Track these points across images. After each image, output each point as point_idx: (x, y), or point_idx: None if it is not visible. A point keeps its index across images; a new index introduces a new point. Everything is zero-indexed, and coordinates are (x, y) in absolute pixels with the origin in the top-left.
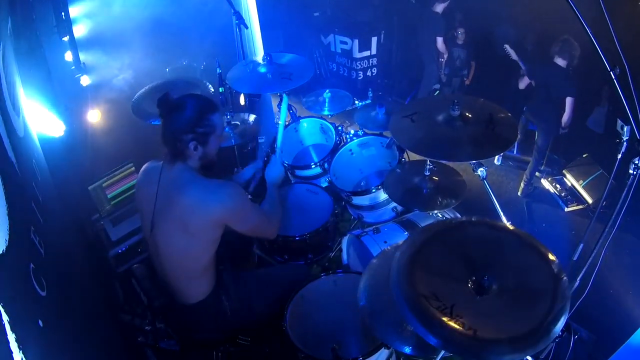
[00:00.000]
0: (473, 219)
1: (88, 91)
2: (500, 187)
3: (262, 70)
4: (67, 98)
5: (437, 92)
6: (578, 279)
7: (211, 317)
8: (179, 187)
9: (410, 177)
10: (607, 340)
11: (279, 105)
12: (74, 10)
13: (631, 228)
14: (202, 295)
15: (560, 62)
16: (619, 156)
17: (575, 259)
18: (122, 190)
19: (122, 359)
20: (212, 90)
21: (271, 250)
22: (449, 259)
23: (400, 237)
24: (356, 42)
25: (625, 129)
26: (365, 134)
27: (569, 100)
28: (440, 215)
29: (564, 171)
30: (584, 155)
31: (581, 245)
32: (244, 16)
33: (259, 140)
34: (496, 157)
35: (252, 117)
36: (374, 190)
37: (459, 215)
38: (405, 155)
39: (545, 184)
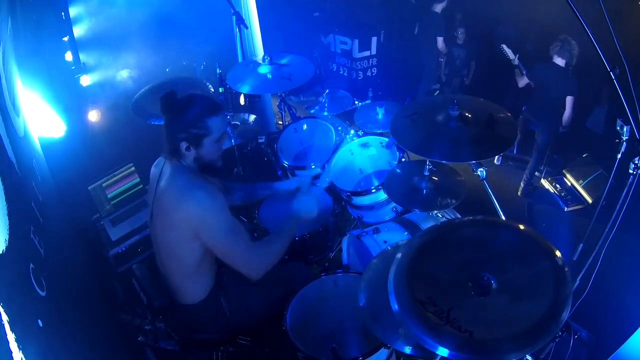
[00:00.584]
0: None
1: (88, 91)
2: (500, 187)
3: (262, 70)
4: (67, 98)
5: (437, 92)
6: (578, 279)
7: (211, 318)
8: (164, 183)
9: (410, 177)
10: (607, 340)
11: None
12: (74, 10)
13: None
14: (201, 295)
15: (560, 61)
16: (619, 156)
17: (575, 259)
18: (122, 190)
19: (122, 359)
20: (212, 90)
21: None
22: (447, 261)
23: (400, 237)
24: (356, 42)
25: (625, 128)
26: (365, 134)
27: (569, 99)
28: (440, 215)
29: (564, 171)
30: (584, 155)
31: (581, 245)
32: (244, 16)
33: (259, 140)
34: (496, 157)
35: (252, 117)
36: (373, 190)
37: (459, 215)
38: (405, 155)
39: (545, 184)
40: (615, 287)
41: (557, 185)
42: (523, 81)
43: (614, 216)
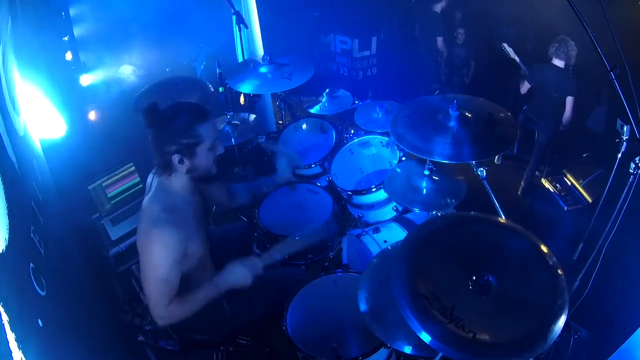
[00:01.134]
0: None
1: (88, 91)
2: (500, 186)
3: (262, 70)
4: (67, 98)
5: (437, 91)
6: (578, 279)
7: (211, 318)
8: (145, 203)
9: (411, 177)
10: (607, 340)
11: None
12: (74, 10)
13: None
14: None
15: (558, 62)
16: (619, 155)
17: (575, 258)
18: (122, 189)
19: (122, 358)
20: (212, 90)
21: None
22: (451, 258)
23: (400, 237)
24: (356, 41)
25: (625, 128)
26: (365, 134)
27: (569, 100)
28: (440, 215)
29: (564, 171)
30: (584, 155)
31: (581, 245)
32: (244, 16)
33: (259, 140)
34: (496, 156)
35: (252, 117)
36: (374, 190)
37: None
38: (405, 154)
39: (546, 183)
40: (615, 287)
41: (557, 185)
42: (525, 87)
43: (614, 216)
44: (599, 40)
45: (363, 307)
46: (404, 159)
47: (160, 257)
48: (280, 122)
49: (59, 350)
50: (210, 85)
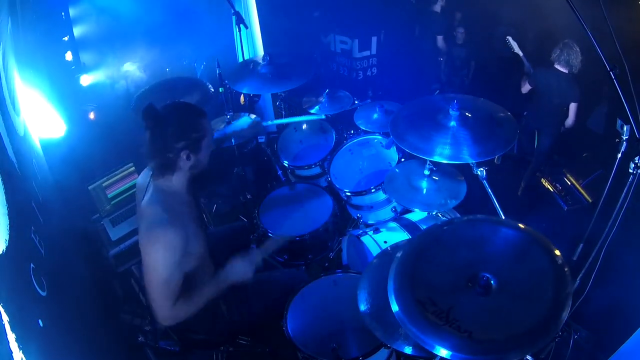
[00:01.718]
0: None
1: (88, 91)
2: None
3: (262, 70)
4: (67, 98)
5: (437, 91)
6: (578, 279)
7: (210, 318)
8: (144, 206)
9: (410, 177)
10: (607, 340)
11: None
12: (74, 10)
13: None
14: None
15: (561, 68)
16: (619, 155)
17: (575, 258)
18: (122, 190)
19: (122, 359)
20: (212, 90)
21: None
22: (447, 261)
23: (400, 237)
24: (356, 42)
25: (625, 128)
26: (365, 134)
27: (572, 106)
28: (440, 215)
29: (564, 171)
30: (584, 155)
31: (581, 245)
32: (244, 16)
33: (259, 140)
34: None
35: (252, 117)
36: (373, 190)
37: (458, 215)
38: (404, 155)
39: (545, 183)
40: (615, 287)
41: (557, 185)
42: (526, 87)
43: (614, 216)
44: (598, 40)
45: (363, 307)
46: (403, 159)
47: (163, 258)
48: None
49: (59, 350)
50: (210, 86)
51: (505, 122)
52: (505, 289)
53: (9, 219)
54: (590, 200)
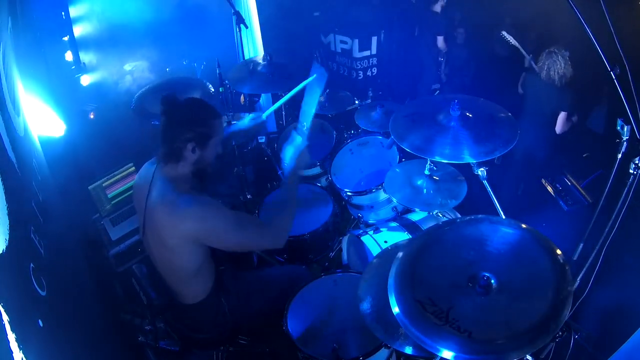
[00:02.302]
0: (470, 218)
1: (88, 91)
2: (500, 187)
3: (262, 70)
4: (67, 98)
5: (437, 92)
6: (578, 279)
7: (211, 317)
8: (156, 195)
9: (410, 177)
10: (607, 340)
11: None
12: (74, 10)
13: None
14: (201, 296)
15: (547, 79)
16: (619, 156)
17: (575, 258)
18: (122, 190)
19: (122, 359)
20: (212, 90)
21: (271, 250)
22: (447, 261)
23: (401, 237)
24: (356, 41)
25: (625, 128)
26: (365, 134)
27: (562, 115)
28: (441, 215)
29: (563, 171)
30: (584, 155)
31: (581, 245)
32: (244, 16)
33: (259, 140)
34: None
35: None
36: (374, 190)
37: (459, 215)
38: (404, 155)
39: (545, 183)
40: (615, 287)
41: (557, 185)
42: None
43: (614, 216)
44: (599, 40)
45: (363, 307)
46: (403, 159)
47: (216, 214)
48: (281, 122)
49: (59, 350)
50: (210, 85)
51: (505, 123)
52: (505, 289)
53: (9, 219)
54: (590, 201)
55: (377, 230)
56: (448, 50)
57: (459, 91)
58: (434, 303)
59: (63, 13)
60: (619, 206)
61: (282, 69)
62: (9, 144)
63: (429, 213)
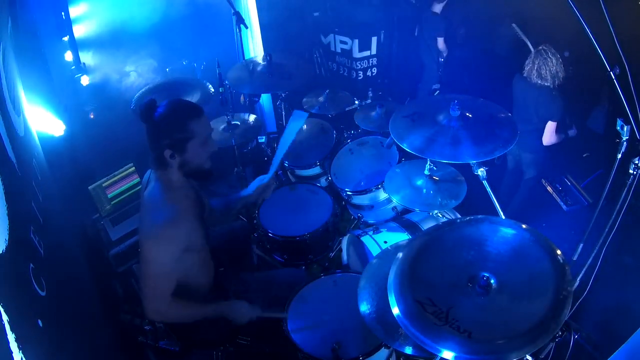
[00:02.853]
0: (470, 218)
1: (88, 91)
2: (501, 187)
3: (262, 70)
4: (67, 98)
5: (437, 92)
6: (578, 279)
7: (211, 318)
8: (145, 201)
9: (410, 177)
10: (607, 340)
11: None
12: (74, 10)
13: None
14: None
15: (540, 81)
16: (619, 156)
17: (575, 258)
18: (122, 190)
19: (122, 359)
20: (212, 90)
21: (271, 250)
22: (447, 262)
23: (400, 237)
24: (356, 42)
25: (625, 128)
26: (365, 134)
27: (550, 125)
28: (441, 215)
29: (563, 171)
30: (584, 155)
31: (581, 245)
32: (244, 16)
33: (259, 140)
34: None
35: (252, 117)
36: (373, 190)
37: (459, 215)
38: (404, 155)
39: (545, 184)
40: (615, 287)
41: (557, 185)
42: None
43: (614, 216)
44: (599, 40)
45: (363, 307)
46: (403, 159)
47: (164, 252)
48: (280, 122)
49: (59, 351)
50: (210, 86)
51: (505, 123)
52: (505, 289)
53: (9, 219)
54: (590, 201)
55: (377, 230)
56: (448, 51)
57: (459, 91)
58: (434, 303)
59: (63, 13)
60: (618, 206)
61: (282, 69)
62: (9, 144)
63: (428, 213)
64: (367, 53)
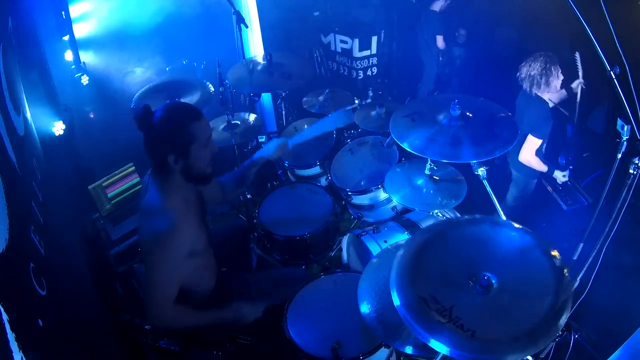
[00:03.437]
0: (472, 217)
1: (88, 91)
2: (501, 187)
3: (262, 69)
4: (67, 98)
5: (437, 91)
6: (578, 279)
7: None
8: (143, 206)
9: (410, 177)
10: (607, 340)
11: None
12: (74, 10)
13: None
14: (202, 297)
15: (539, 92)
16: (619, 156)
17: (575, 258)
18: (122, 189)
19: (122, 358)
20: (212, 90)
21: (271, 249)
22: (449, 259)
23: (400, 237)
24: (356, 41)
25: (625, 128)
26: (365, 134)
27: (530, 139)
28: (441, 215)
29: None
30: (584, 155)
31: (581, 245)
32: (244, 15)
33: (259, 140)
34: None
35: (252, 117)
36: (373, 190)
37: (459, 215)
38: (404, 154)
39: (545, 183)
40: (615, 287)
41: (557, 185)
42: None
43: (614, 216)
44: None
45: (363, 306)
46: (403, 159)
47: (167, 259)
48: (280, 121)
49: (59, 350)
50: (210, 85)
51: (505, 122)
52: (506, 289)
53: (9, 219)
54: (590, 200)
55: (377, 230)
56: (448, 50)
57: (459, 91)
58: (437, 301)
59: (63, 12)
60: (618, 206)
61: (282, 69)
62: (9, 143)
63: (428, 213)
64: (367, 52)
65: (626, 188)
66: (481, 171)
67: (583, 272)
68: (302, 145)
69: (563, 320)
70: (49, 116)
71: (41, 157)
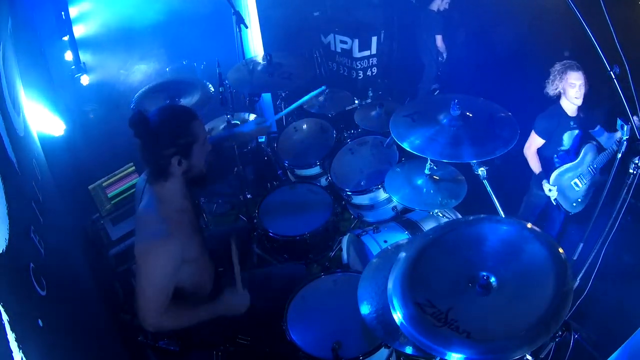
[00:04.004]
0: (469, 218)
1: (88, 91)
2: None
3: (262, 70)
4: (67, 98)
5: (437, 91)
6: (578, 278)
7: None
8: (140, 212)
9: (410, 177)
10: (607, 340)
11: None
12: (74, 10)
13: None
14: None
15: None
16: (619, 155)
17: (575, 258)
18: (122, 189)
19: (122, 358)
20: (212, 90)
21: (271, 249)
22: (447, 262)
23: (400, 237)
24: (356, 41)
25: (625, 128)
26: (365, 134)
27: (532, 134)
28: (441, 215)
29: None
30: None
31: (581, 245)
32: (244, 16)
33: (259, 140)
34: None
35: (252, 117)
36: (373, 190)
37: (459, 215)
38: (404, 154)
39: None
40: (615, 287)
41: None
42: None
43: (613, 216)
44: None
45: (363, 307)
46: (403, 159)
47: (160, 267)
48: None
49: (59, 350)
50: (210, 85)
51: (505, 122)
52: (505, 288)
53: (9, 219)
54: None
55: (377, 229)
56: (448, 50)
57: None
58: (433, 305)
59: (63, 13)
60: (618, 206)
61: (282, 69)
62: (9, 143)
63: (429, 212)
64: (367, 53)
65: (626, 188)
66: (481, 171)
67: (583, 271)
68: (295, 138)
69: (563, 316)
70: (49, 116)
71: (41, 157)
